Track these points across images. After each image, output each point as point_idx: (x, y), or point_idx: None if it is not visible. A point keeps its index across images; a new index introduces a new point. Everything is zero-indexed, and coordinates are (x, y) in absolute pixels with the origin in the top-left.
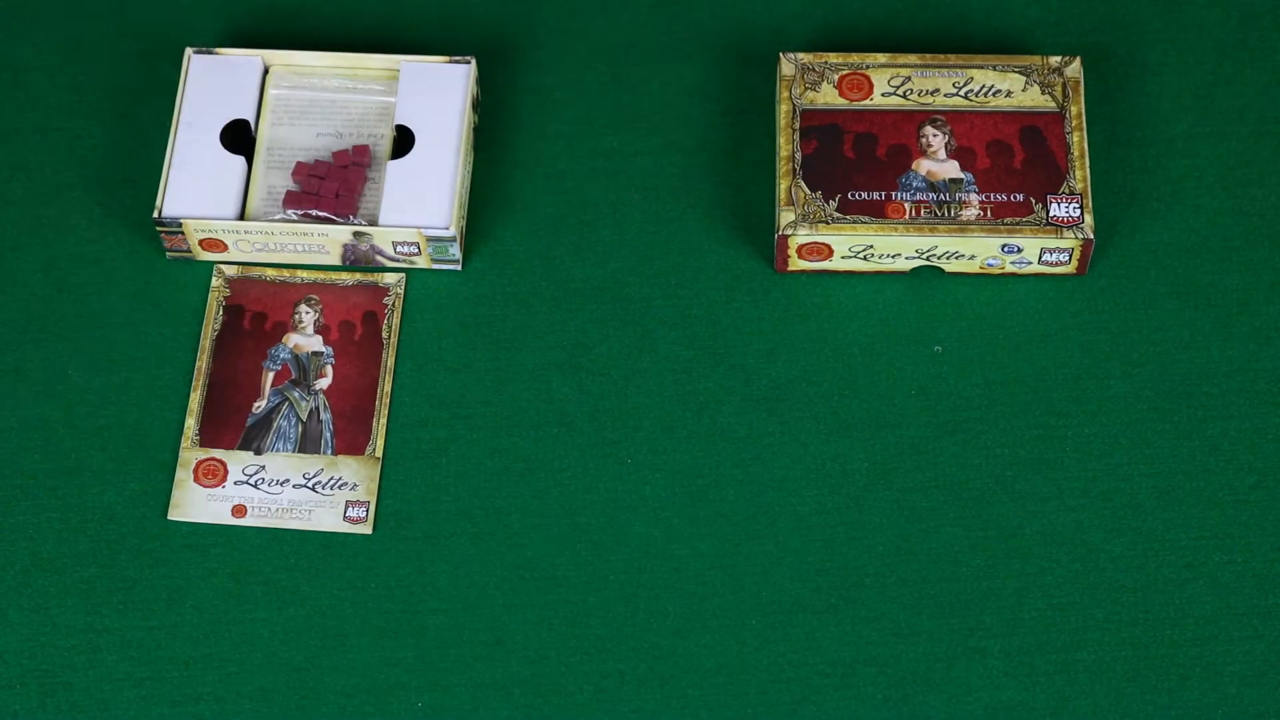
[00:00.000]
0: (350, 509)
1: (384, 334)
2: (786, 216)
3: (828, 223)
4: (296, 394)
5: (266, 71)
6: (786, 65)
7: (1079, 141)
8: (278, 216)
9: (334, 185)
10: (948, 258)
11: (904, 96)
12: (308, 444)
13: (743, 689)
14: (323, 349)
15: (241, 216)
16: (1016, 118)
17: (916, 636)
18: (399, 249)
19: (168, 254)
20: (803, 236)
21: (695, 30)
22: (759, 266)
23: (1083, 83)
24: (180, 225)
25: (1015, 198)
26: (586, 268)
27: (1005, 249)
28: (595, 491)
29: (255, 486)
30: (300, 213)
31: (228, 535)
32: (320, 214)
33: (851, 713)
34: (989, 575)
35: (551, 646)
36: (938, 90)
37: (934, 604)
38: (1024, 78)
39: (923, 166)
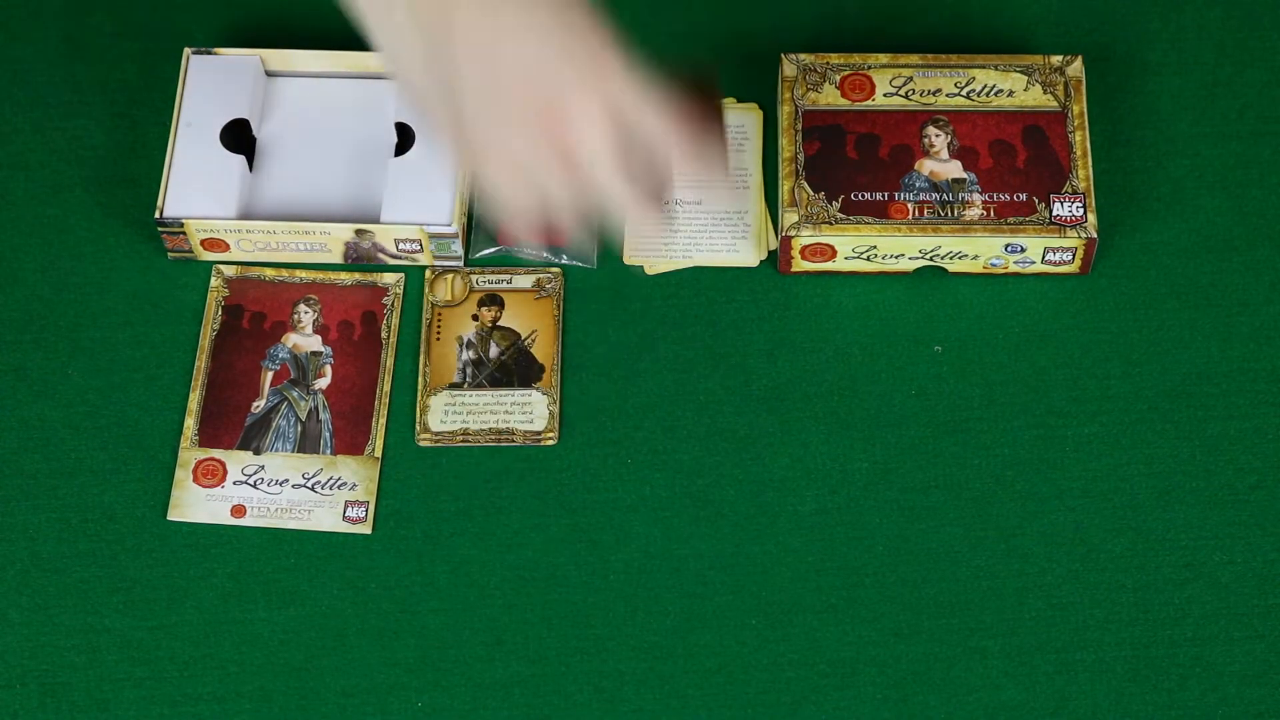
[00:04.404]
0: (350, 509)
1: (383, 334)
2: (790, 218)
3: (831, 223)
4: (295, 394)
5: (267, 72)
6: (788, 66)
7: (1081, 141)
8: (493, 250)
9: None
10: (951, 258)
11: (906, 97)
12: (307, 444)
13: (743, 689)
14: (322, 349)
15: (242, 216)
16: (1019, 117)
17: (916, 636)
18: (401, 246)
19: (169, 254)
20: (806, 237)
21: (695, 30)
22: (760, 266)
23: (1084, 82)
24: (182, 225)
25: (1018, 197)
26: (587, 266)
27: (1009, 249)
28: (595, 491)
29: (254, 486)
30: (519, 246)
31: (227, 535)
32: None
33: (851, 713)
34: (989, 575)
35: (551, 646)
36: (940, 90)
37: (934, 604)
38: (1026, 77)
39: (925, 167)
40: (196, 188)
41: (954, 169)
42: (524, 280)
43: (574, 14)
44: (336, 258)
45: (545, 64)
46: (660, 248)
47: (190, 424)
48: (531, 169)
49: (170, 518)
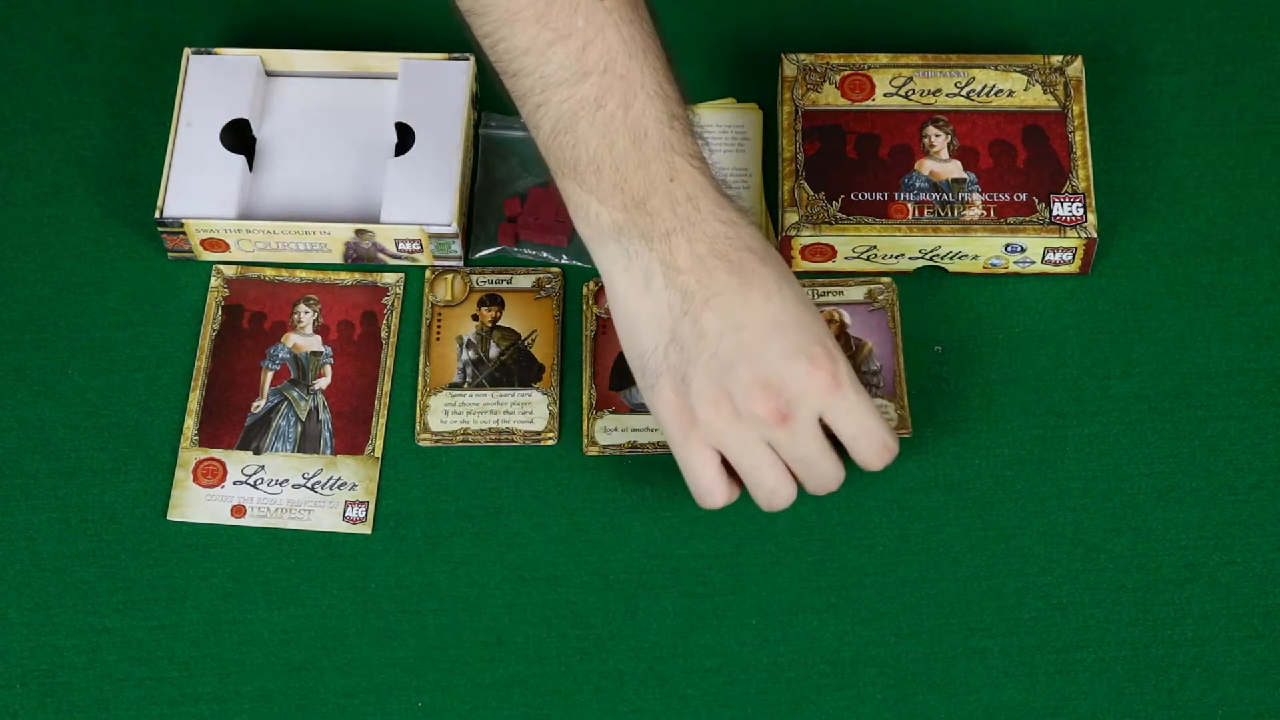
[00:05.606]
0: (350, 509)
1: (383, 334)
2: (790, 218)
3: (831, 224)
4: (295, 394)
5: (267, 72)
6: (788, 66)
7: (1081, 141)
8: (493, 250)
9: (551, 209)
10: (951, 258)
11: (906, 97)
12: (307, 444)
13: (743, 689)
14: (322, 349)
15: (242, 216)
16: (1019, 117)
17: (916, 636)
18: (401, 246)
19: (169, 254)
20: (806, 238)
21: (695, 30)
22: None
23: (1084, 82)
24: (182, 225)
25: (1018, 197)
26: (588, 266)
27: (1009, 249)
28: (595, 491)
29: (254, 486)
30: (518, 247)
31: (227, 535)
32: (533, 243)
33: (851, 713)
34: (989, 575)
35: (551, 646)
36: (940, 90)
37: (934, 604)
38: (1026, 77)
39: (925, 167)
40: (196, 188)
41: (954, 169)
42: (524, 280)
43: (818, 319)
44: (336, 258)
45: (787, 360)
46: None
47: (190, 424)
48: (739, 445)
49: (170, 518)
